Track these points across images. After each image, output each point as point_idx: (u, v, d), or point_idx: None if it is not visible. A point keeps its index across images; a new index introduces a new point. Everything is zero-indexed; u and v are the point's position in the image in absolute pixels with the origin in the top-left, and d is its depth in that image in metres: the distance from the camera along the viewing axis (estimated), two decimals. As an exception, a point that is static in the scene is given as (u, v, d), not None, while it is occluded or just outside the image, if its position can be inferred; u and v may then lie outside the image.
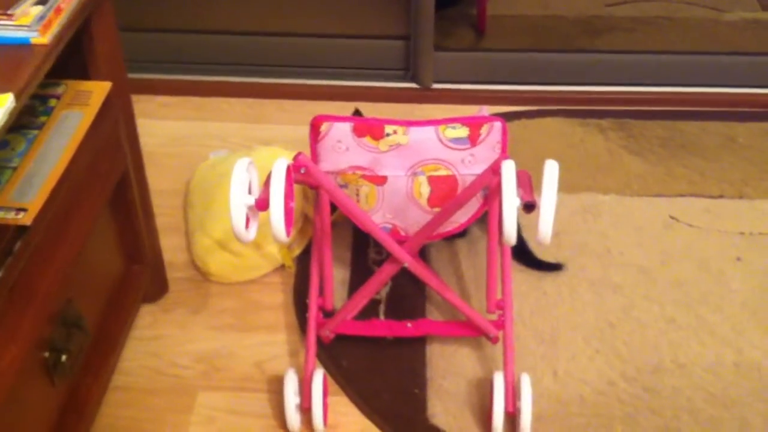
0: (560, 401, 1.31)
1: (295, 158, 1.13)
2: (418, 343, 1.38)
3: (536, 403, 1.29)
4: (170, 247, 1.53)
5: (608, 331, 1.41)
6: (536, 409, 1.27)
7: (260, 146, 1.69)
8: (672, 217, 1.65)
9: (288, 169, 1.05)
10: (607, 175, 1.75)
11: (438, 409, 1.29)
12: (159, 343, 1.41)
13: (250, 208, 1.06)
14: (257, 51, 2.02)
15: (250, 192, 1.08)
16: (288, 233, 1.04)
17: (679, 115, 1.94)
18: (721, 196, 1.70)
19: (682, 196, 1.70)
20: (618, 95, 1.99)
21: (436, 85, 2.01)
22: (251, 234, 1.07)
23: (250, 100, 1.99)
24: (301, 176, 1.14)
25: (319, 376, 1.24)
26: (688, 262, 1.54)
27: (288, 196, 1.04)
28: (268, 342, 1.41)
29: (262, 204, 1.05)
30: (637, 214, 1.65)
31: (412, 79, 2.02)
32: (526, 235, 1.53)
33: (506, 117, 1.91)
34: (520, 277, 1.50)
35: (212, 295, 1.49)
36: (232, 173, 1.04)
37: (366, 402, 1.31)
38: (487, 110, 1.42)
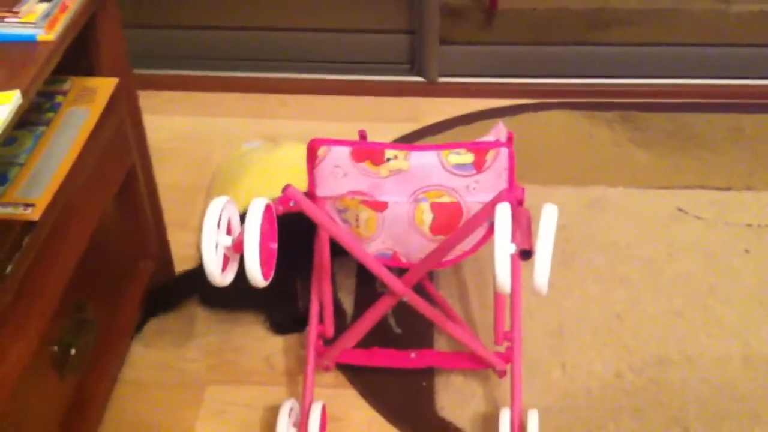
0: (568, 393, 1.31)
1: (284, 191, 1.07)
2: (426, 336, 1.38)
3: (544, 396, 1.29)
4: (178, 242, 1.53)
5: (615, 323, 1.41)
6: (544, 402, 1.28)
7: (289, 141, 1.64)
8: (679, 210, 1.64)
9: (268, 208, 1.00)
10: (614, 167, 1.75)
11: (446, 402, 1.30)
12: (167, 337, 1.41)
13: (228, 249, 1.00)
14: (262, 46, 2.02)
15: (229, 231, 1.01)
16: (266, 277, 0.99)
17: (685, 107, 1.93)
18: (728, 188, 1.69)
19: (689, 188, 1.69)
20: (624, 88, 1.99)
21: (441, 79, 2.01)
22: (227, 278, 1.01)
23: (254, 95, 1.99)
24: (291, 208, 1.08)
25: (317, 408, 1.22)
26: (695, 254, 1.54)
27: (268, 237, 0.99)
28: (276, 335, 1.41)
29: (239, 247, 0.98)
30: (644, 207, 1.65)
31: (418, 73, 2.02)
32: None
33: (512, 110, 1.95)
34: (528, 269, 1.49)
35: (219, 290, 1.49)
36: (207, 212, 0.97)
37: (373, 394, 1.31)
38: (503, 127, 1.35)
